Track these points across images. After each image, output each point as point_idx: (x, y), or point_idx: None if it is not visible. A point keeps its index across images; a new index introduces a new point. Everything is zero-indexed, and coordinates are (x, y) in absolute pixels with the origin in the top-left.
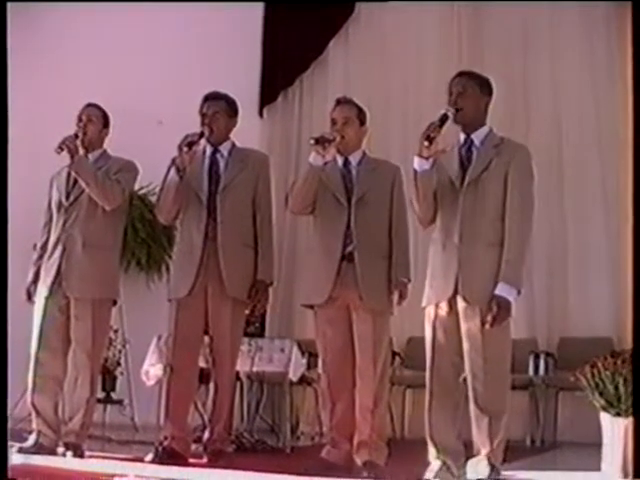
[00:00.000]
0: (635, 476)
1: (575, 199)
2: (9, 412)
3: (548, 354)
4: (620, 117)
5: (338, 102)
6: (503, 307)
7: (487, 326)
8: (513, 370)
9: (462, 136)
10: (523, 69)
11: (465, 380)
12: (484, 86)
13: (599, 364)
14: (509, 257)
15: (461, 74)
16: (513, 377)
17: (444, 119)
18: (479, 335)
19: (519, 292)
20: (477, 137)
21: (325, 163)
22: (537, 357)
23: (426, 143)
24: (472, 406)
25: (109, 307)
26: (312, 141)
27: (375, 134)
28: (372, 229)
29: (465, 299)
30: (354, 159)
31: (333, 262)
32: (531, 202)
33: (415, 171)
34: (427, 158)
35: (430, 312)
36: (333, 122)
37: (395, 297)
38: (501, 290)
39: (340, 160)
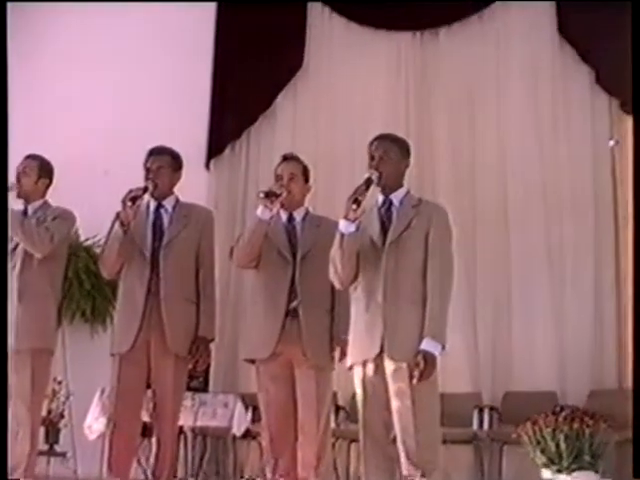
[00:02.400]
0: (635, 476)
1: (520, 252)
2: None
3: (492, 408)
4: (565, 171)
5: (284, 158)
6: (429, 362)
7: (414, 381)
8: (457, 424)
9: (380, 197)
10: (469, 123)
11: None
12: (404, 149)
13: (540, 421)
14: (432, 314)
15: (382, 137)
16: (457, 431)
17: (369, 183)
18: (407, 391)
19: (443, 347)
20: (396, 198)
21: (270, 217)
22: (481, 411)
23: (354, 206)
24: (404, 462)
25: (48, 358)
26: (261, 194)
27: (321, 189)
28: (316, 285)
29: (391, 357)
30: (298, 215)
31: (277, 317)
32: (451, 260)
33: (341, 234)
34: (353, 220)
35: (357, 371)
36: (279, 178)
37: (337, 354)
38: (426, 345)
39: (284, 216)
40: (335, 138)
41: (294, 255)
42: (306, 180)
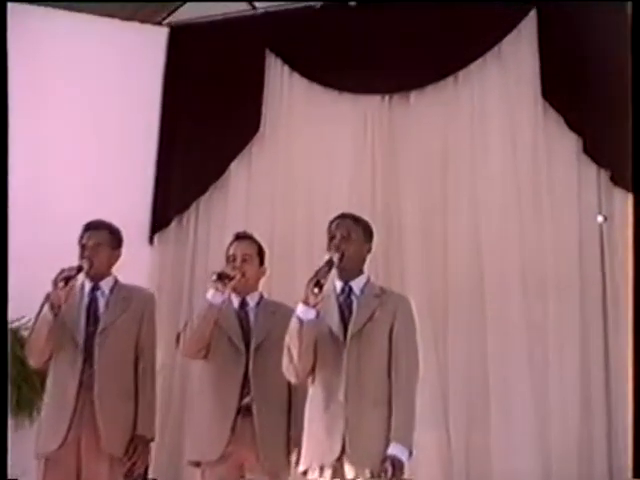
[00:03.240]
0: (635, 476)
1: (497, 338)
2: None
3: None
4: (547, 248)
5: (237, 237)
6: (397, 467)
7: None
8: None
9: (339, 284)
10: (441, 196)
11: None
12: (367, 232)
13: None
14: (399, 416)
15: (344, 216)
16: None
17: (331, 264)
18: None
19: (411, 453)
20: (356, 285)
21: (222, 302)
22: None
23: (315, 290)
24: None
25: None
26: (214, 276)
27: (277, 272)
28: (272, 379)
29: (353, 462)
30: (252, 300)
31: (228, 415)
32: (416, 356)
33: (300, 320)
34: (314, 306)
35: (313, 477)
36: (232, 258)
37: (294, 457)
38: (394, 449)
39: (236, 301)
40: (293, 214)
41: (247, 345)
42: (261, 262)
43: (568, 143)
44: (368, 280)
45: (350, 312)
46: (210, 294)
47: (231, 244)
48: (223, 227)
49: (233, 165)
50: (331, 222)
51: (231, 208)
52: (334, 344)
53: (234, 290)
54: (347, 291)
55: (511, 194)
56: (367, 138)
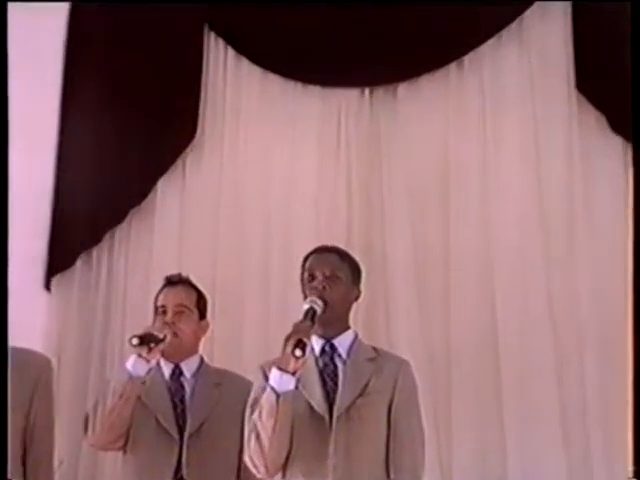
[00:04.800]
0: (635, 476)
1: (517, 419)
2: None
3: None
4: (582, 290)
5: (168, 282)
6: None
7: None
8: None
9: (318, 342)
10: (440, 218)
11: None
12: (355, 271)
13: None
14: None
15: (326, 250)
16: None
17: (313, 316)
18: None
19: None
20: (342, 344)
21: (147, 373)
22: None
23: (297, 352)
24: None
25: None
26: (135, 341)
27: (223, 326)
28: (214, 471)
29: None
30: (188, 368)
31: None
32: (423, 445)
33: (275, 393)
34: (293, 373)
35: None
36: (161, 311)
37: None
38: None
39: (167, 369)
40: (244, 247)
41: (181, 429)
42: (201, 315)
43: (612, 146)
44: (356, 337)
45: (335, 382)
46: (130, 363)
47: (160, 292)
48: (147, 267)
49: (161, 183)
50: (306, 257)
51: (158, 241)
52: (316, 426)
53: (164, 355)
54: (330, 352)
55: (533, 216)
56: (341, 144)
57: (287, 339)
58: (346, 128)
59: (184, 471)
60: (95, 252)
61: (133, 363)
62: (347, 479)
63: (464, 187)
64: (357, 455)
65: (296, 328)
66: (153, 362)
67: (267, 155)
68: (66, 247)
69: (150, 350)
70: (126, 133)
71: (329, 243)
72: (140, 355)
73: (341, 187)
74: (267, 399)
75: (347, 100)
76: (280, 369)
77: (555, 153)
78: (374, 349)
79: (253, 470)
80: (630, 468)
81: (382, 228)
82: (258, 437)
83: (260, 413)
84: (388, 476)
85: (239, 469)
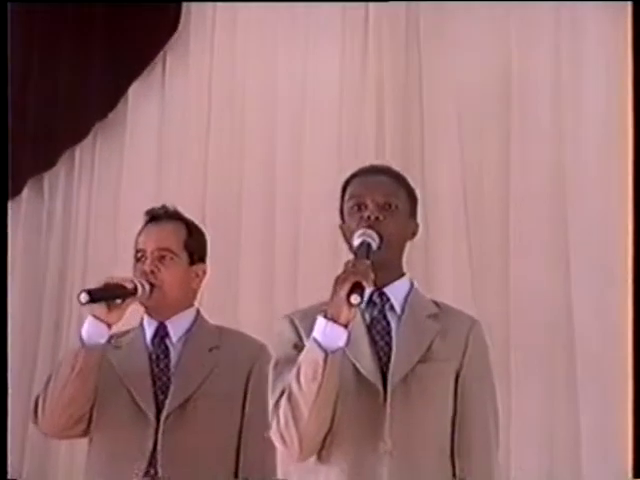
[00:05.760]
0: (635, 476)
1: None
2: None
3: None
4: None
5: (151, 218)
6: None
7: None
8: None
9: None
10: (498, 150)
11: None
12: (412, 199)
13: None
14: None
15: (380, 171)
16: None
17: (368, 252)
18: None
19: None
20: (395, 295)
21: (110, 339)
22: None
23: (355, 299)
24: None
25: None
26: (83, 297)
27: (221, 270)
28: (200, 462)
29: None
30: (175, 328)
31: None
32: (497, 424)
33: (323, 350)
34: (345, 325)
35: None
36: (139, 256)
37: None
38: None
39: (150, 331)
40: (239, 171)
41: (159, 406)
42: (192, 259)
43: None
44: (412, 286)
45: (388, 343)
46: (85, 328)
47: (140, 232)
48: (116, 198)
49: (133, 89)
50: (348, 180)
51: (130, 163)
52: (365, 398)
53: (148, 312)
54: (380, 305)
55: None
56: (369, 50)
57: (339, 281)
58: (376, 26)
59: (159, 463)
60: (47, 178)
61: (87, 327)
62: (406, 469)
63: (532, 107)
64: (418, 437)
65: (352, 267)
66: (112, 329)
67: (272, 53)
68: (9, 171)
69: (110, 309)
70: (87, 27)
71: (352, 171)
72: (96, 316)
73: (370, 101)
74: (309, 357)
75: (377, 9)
76: (329, 318)
77: None
78: (435, 303)
79: (281, 447)
80: None
81: (422, 154)
82: (293, 406)
83: (298, 374)
84: (453, 465)
85: (238, 460)
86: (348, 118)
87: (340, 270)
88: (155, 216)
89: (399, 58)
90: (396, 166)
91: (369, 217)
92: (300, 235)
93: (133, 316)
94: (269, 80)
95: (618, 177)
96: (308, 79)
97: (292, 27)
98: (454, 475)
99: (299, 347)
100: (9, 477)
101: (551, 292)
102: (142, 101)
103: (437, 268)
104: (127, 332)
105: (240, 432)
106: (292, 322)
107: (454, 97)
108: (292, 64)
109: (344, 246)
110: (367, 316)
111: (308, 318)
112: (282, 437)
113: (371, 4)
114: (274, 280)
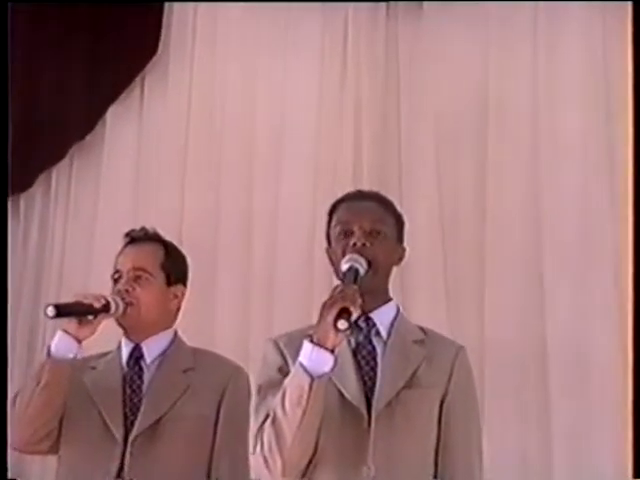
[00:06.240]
0: (635, 476)
1: None
2: None
3: None
4: None
5: (131, 240)
6: None
7: None
8: None
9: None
10: (475, 167)
11: None
12: (400, 224)
13: None
14: None
15: (366, 196)
16: None
17: (355, 277)
18: None
19: None
20: (381, 320)
21: (88, 360)
22: None
23: (342, 324)
24: None
25: None
26: (50, 311)
27: (199, 293)
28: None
29: None
30: (150, 350)
31: None
32: (480, 454)
33: (309, 375)
34: (332, 350)
35: None
36: (116, 277)
37: None
38: None
39: (126, 351)
40: (218, 191)
41: (127, 428)
42: (176, 279)
43: None
44: (398, 312)
45: (373, 368)
46: (55, 344)
47: (119, 254)
48: (92, 220)
49: (111, 111)
50: (335, 205)
51: (107, 185)
52: (349, 422)
53: (127, 333)
54: (366, 330)
55: (600, 165)
56: (347, 65)
57: (326, 306)
58: (355, 45)
59: (125, 471)
60: (23, 200)
61: (57, 341)
62: None
63: (508, 125)
64: (401, 462)
65: (339, 292)
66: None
67: (251, 74)
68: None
69: (81, 324)
70: (66, 50)
71: (330, 191)
72: (66, 331)
73: (348, 119)
74: (295, 382)
75: (357, 16)
76: (315, 343)
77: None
78: (421, 329)
79: (264, 471)
80: None
81: (399, 174)
82: (277, 430)
83: (283, 399)
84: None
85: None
86: (326, 137)
87: (316, 292)
88: (134, 238)
89: (377, 74)
90: (372, 188)
91: (355, 244)
92: (277, 256)
93: (114, 339)
94: (247, 103)
95: (596, 200)
96: (287, 101)
97: (271, 48)
98: None
99: (284, 371)
100: (9, 477)
101: (526, 317)
102: (120, 123)
103: (412, 292)
104: (106, 354)
105: (211, 455)
106: (277, 345)
107: (432, 116)
108: (271, 85)
109: (320, 268)
110: (353, 341)
111: (293, 342)
112: (266, 461)
113: (350, 22)
114: (250, 301)
